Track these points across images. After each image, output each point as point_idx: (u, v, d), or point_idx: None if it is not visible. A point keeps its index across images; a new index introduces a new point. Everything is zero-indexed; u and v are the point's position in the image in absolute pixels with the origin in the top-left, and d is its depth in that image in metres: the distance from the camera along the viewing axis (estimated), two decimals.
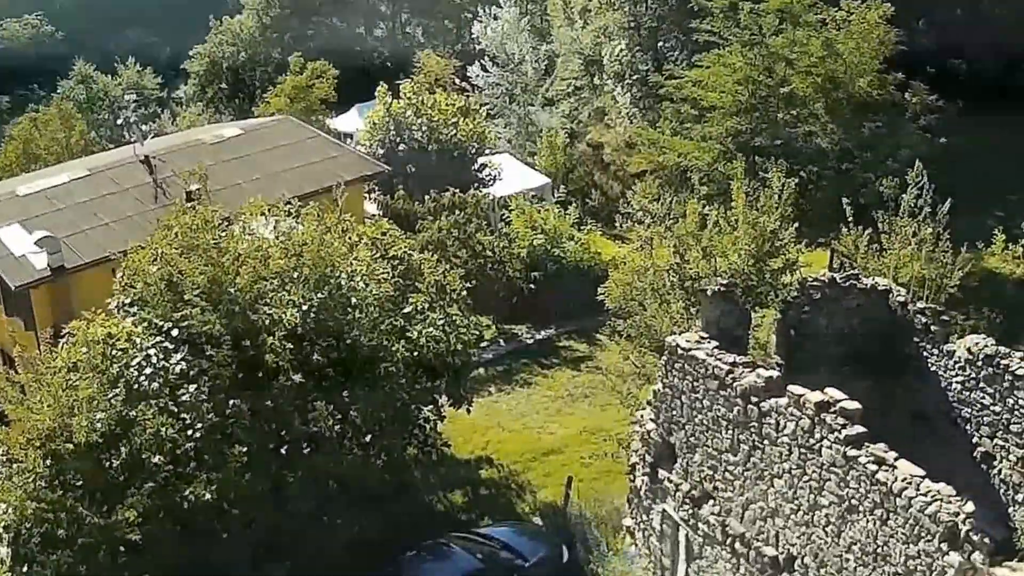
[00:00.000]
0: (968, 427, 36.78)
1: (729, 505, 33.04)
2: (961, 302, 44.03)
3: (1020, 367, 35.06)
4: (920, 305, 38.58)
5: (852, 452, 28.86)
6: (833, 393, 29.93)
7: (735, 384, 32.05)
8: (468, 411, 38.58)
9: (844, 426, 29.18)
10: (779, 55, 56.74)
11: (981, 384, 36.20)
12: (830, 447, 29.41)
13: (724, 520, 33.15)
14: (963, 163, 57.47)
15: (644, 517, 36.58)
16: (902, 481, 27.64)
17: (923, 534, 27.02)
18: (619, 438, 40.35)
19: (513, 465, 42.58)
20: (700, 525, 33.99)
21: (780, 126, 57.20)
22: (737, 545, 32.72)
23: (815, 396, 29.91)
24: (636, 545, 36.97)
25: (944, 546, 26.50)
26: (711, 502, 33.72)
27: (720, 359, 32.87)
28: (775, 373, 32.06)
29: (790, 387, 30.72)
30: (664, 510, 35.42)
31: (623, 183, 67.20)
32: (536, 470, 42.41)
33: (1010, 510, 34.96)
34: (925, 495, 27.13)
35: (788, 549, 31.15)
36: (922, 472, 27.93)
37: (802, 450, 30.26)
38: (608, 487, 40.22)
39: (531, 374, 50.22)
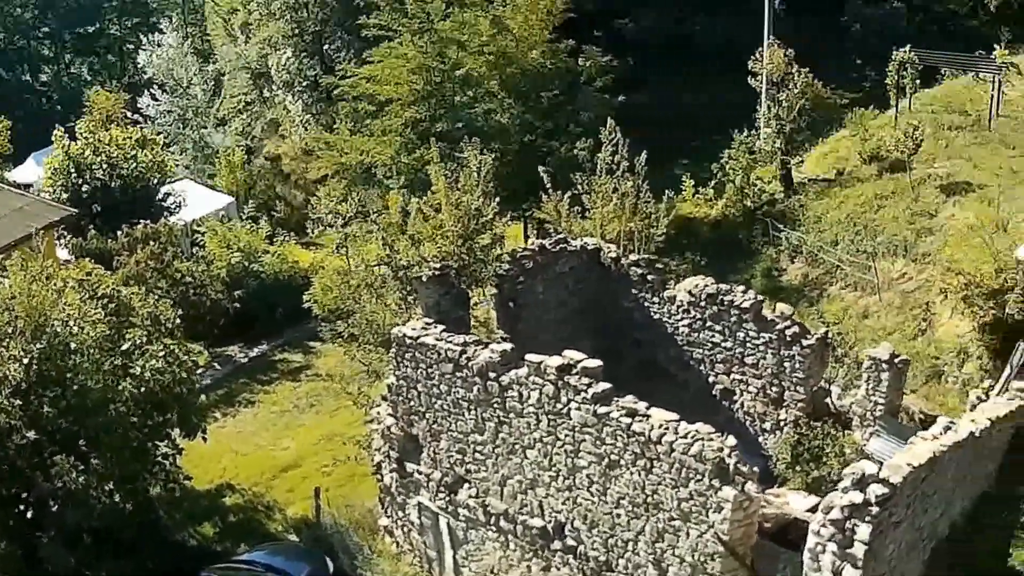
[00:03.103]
0: (702, 367, 36.51)
1: (486, 485, 31.61)
2: (664, 250, 44.04)
3: (745, 300, 35.01)
4: (633, 257, 38.16)
5: (602, 409, 27.88)
6: (572, 354, 28.92)
7: (471, 364, 30.70)
8: (204, 439, 36.32)
9: (589, 385, 28.22)
10: (450, 39, 55.76)
11: (708, 323, 35.99)
12: (579, 408, 28.35)
13: (484, 501, 31.73)
14: (644, 118, 57.66)
15: (400, 514, 34.80)
16: (659, 428, 26.81)
17: (691, 475, 26.23)
18: (357, 440, 38.51)
19: (254, 487, 40.25)
20: (460, 510, 32.49)
21: (459, 109, 56.07)
22: (502, 523, 31.36)
23: (555, 360, 28.81)
24: (397, 543, 35.21)
25: (716, 482, 25.79)
26: (466, 485, 32.23)
27: (451, 341, 31.47)
28: (509, 346, 30.84)
29: (528, 356, 29.54)
30: (420, 503, 33.76)
31: (305, 191, 65.48)
32: (278, 488, 40.19)
33: (760, 440, 34.83)
34: (685, 437, 26.39)
35: (555, 517, 29.96)
36: (676, 416, 27.21)
37: (551, 417, 29.12)
38: (356, 491, 38.32)
39: (252, 392, 47.84)
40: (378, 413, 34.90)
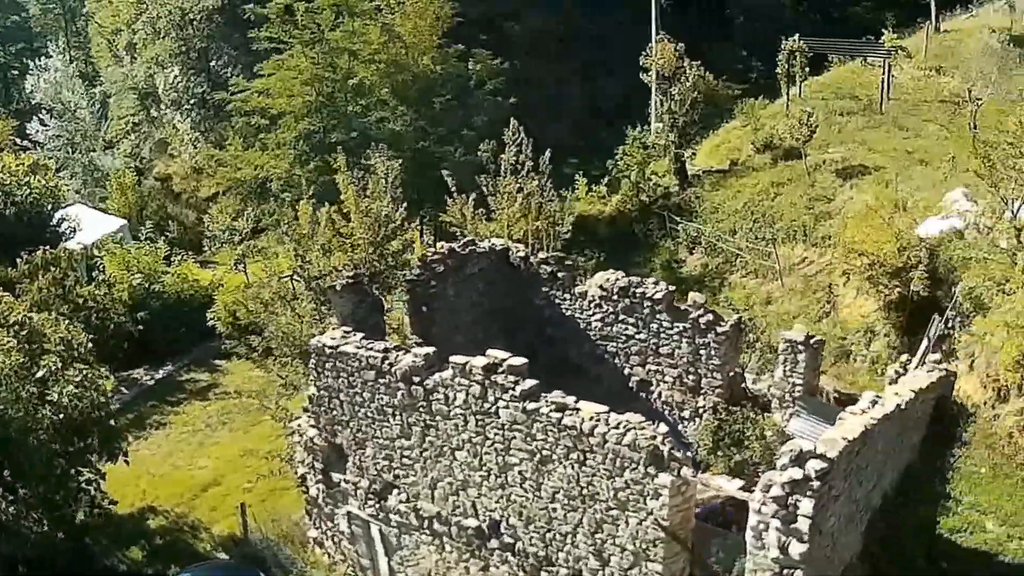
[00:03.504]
0: (616, 361, 36.61)
1: (416, 489, 31.29)
2: (566, 247, 44.23)
3: (657, 291, 35.18)
4: (542, 255, 38.19)
5: (532, 406, 27.78)
6: (496, 353, 28.79)
7: (394, 369, 30.37)
8: (127, 463, 35.61)
9: (517, 383, 28.09)
10: (341, 48, 55.58)
11: (621, 317, 36.11)
12: (507, 406, 28.21)
13: (415, 505, 31.39)
14: (535, 118, 57.85)
15: (329, 524, 34.32)
16: (591, 420, 26.81)
17: (626, 464, 26.25)
18: (276, 454, 38.00)
19: (177, 508, 39.46)
20: (391, 516, 32.09)
21: (352, 118, 55.83)
22: (436, 525, 31.06)
23: (480, 360, 28.64)
24: (328, 554, 34.78)
25: (651, 470, 25.83)
26: (396, 491, 31.86)
27: (372, 348, 31.11)
28: (431, 349, 30.62)
29: (452, 358, 29.36)
30: (349, 512, 33.36)
31: (197, 209, 64.69)
32: (201, 507, 39.43)
33: (680, 428, 35.04)
34: (617, 427, 26.40)
35: (489, 516, 29.76)
36: (606, 408, 27.26)
37: (479, 417, 28.93)
38: (279, 505, 37.75)
39: (163, 414, 46.93)
40: (299, 425, 34.44)
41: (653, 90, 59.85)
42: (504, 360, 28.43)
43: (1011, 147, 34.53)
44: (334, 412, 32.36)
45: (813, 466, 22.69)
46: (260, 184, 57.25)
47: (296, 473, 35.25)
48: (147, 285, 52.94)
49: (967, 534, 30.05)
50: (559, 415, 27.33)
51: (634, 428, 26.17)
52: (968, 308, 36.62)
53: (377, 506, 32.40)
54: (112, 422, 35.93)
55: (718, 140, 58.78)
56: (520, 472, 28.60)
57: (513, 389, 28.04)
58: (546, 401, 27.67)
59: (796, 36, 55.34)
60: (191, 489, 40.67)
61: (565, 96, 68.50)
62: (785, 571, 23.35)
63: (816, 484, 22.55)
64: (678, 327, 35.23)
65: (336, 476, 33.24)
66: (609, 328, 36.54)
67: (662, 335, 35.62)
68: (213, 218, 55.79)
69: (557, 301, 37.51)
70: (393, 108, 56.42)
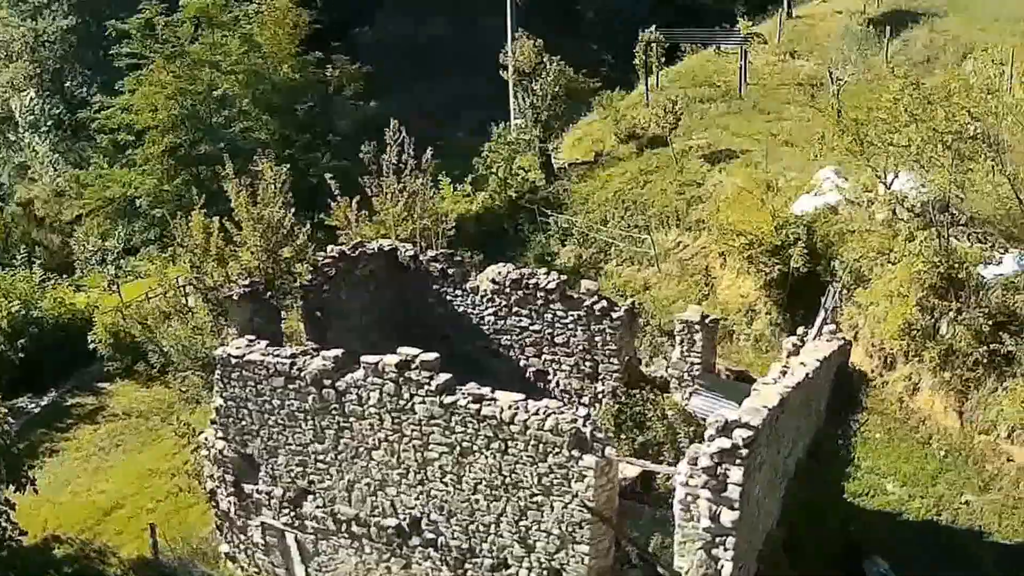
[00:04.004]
0: (513, 352, 36.98)
1: (332, 493, 31.15)
2: (449, 246, 44.33)
3: (549, 281, 35.64)
4: (431, 253, 38.38)
5: (448, 399, 27.99)
6: (407, 350, 28.92)
7: (303, 374, 30.26)
8: (36, 491, 34.78)
9: (431, 377, 28.29)
10: (202, 60, 55.00)
11: (515, 309, 36.49)
12: (423, 401, 28.36)
13: (332, 509, 31.26)
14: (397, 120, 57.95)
15: (242, 537, 33.98)
16: (510, 409, 27.10)
17: (549, 449, 26.59)
18: (176, 472, 37.51)
19: (82, 535, 38.46)
20: (307, 523, 31.89)
21: (217, 130, 55.33)
22: (354, 528, 30.98)
23: (393, 358, 28.75)
24: (242, 567, 34.45)
25: (575, 452, 26.21)
26: (311, 497, 31.67)
27: (279, 355, 30.94)
28: (340, 351, 30.59)
29: (364, 358, 29.41)
30: (263, 522, 33.11)
31: (61, 233, 63.44)
32: (106, 531, 38.41)
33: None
34: (537, 413, 26.74)
35: (409, 513, 29.82)
36: (522, 396, 27.59)
37: (394, 414, 28.99)
38: (186, 522, 37.06)
39: (53, 441, 45.63)
40: (206, 439, 34.03)
41: (510, 86, 60.31)
42: (416, 356, 28.58)
43: (884, 123, 35.71)
44: (243, 422, 32.03)
45: (740, 434, 23.32)
46: (129, 202, 56.34)
47: (204, 488, 34.82)
48: (25, 312, 51.74)
49: (869, 497, 31.21)
50: (477, 406, 27.56)
51: (555, 413, 26.55)
52: (848, 281, 37.83)
53: (292, 514, 32.15)
54: (19, 450, 35.00)
55: (580, 133, 59.42)
56: (440, 466, 28.74)
57: (428, 384, 28.19)
58: (463, 393, 27.89)
59: (653, 27, 56.35)
60: (94, 514, 39.69)
61: (424, 98, 68.70)
62: (717, 539, 23.97)
63: (744, 452, 23.19)
64: (572, 315, 35.78)
65: (248, 487, 32.92)
66: (503, 321, 36.91)
67: (557, 324, 36.10)
68: (80, 240, 54.63)
69: (449, 298, 37.76)
70: (257, 117, 56.11)
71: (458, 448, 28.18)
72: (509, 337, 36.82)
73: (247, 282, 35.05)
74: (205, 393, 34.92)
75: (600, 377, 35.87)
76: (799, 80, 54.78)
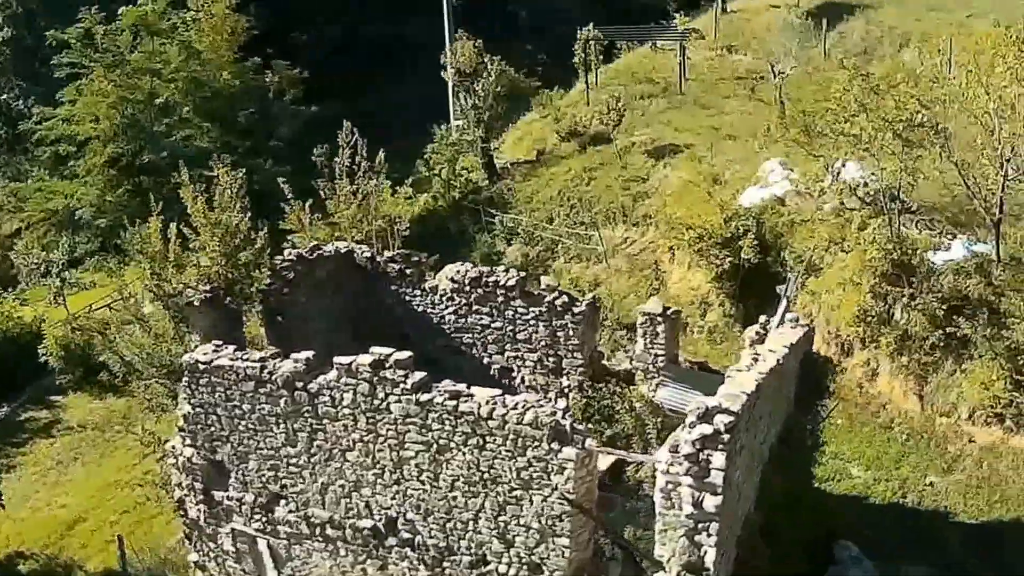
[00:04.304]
0: (475, 351, 37.07)
1: (305, 496, 30.97)
2: (405, 245, 44.35)
3: (508, 278, 35.83)
4: (388, 254, 38.43)
5: (425, 397, 27.98)
6: (380, 350, 28.95)
7: (274, 377, 30.11)
8: (2, 507, 34.44)
9: (406, 376, 28.30)
10: (143, 69, 54.68)
11: (475, 307, 36.60)
12: (399, 400, 28.27)
13: (305, 513, 31.13)
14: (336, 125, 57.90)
15: (211, 545, 33.75)
16: (488, 404, 27.19)
17: (528, 443, 26.63)
18: (148, 481, 37.28)
19: (46, 550, 38.24)
20: (279, 528, 31.69)
21: (159, 138, 55.01)
22: (328, 531, 30.80)
23: (367, 358, 28.72)
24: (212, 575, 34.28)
25: (555, 445, 26.33)
26: (283, 501, 31.48)
27: (248, 359, 30.79)
28: (311, 353, 30.54)
29: (336, 359, 29.38)
30: (234, 529, 32.94)
31: (1, 247, 62.68)
32: (71, 546, 38.24)
33: None
34: (516, 408, 26.80)
35: (385, 514, 29.74)
36: (499, 391, 27.74)
37: (369, 415, 28.86)
38: (151, 533, 37.05)
39: (9, 456, 45.35)
40: (172, 447, 33.78)
41: (450, 87, 60.47)
42: (391, 355, 28.59)
43: (833, 113, 36.29)
44: (212, 428, 31.73)
45: (721, 420, 23.59)
46: (71, 214, 55.87)
47: (172, 497, 34.56)
48: None
49: (836, 482, 31.77)
50: (454, 403, 27.58)
51: (534, 407, 26.66)
52: (799, 270, 38.39)
53: (264, 519, 31.93)
54: None
55: (520, 133, 59.75)
56: (416, 465, 28.71)
57: (404, 382, 28.15)
58: (439, 391, 27.95)
59: (591, 25, 56.76)
60: (57, 529, 39.46)
61: (363, 101, 68.59)
62: (700, 525, 24.25)
63: (726, 437, 23.48)
64: (534, 311, 35.95)
65: (218, 494, 32.71)
66: (464, 320, 37.00)
67: (518, 321, 36.26)
68: (22, 253, 54.06)
69: (408, 298, 37.79)
70: (198, 125, 55.90)
71: (435, 446, 28.18)
72: (471, 335, 36.92)
73: (208, 287, 34.85)
74: (169, 401, 34.56)
75: (564, 372, 36.05)
76: (738, 74, 55.41)
